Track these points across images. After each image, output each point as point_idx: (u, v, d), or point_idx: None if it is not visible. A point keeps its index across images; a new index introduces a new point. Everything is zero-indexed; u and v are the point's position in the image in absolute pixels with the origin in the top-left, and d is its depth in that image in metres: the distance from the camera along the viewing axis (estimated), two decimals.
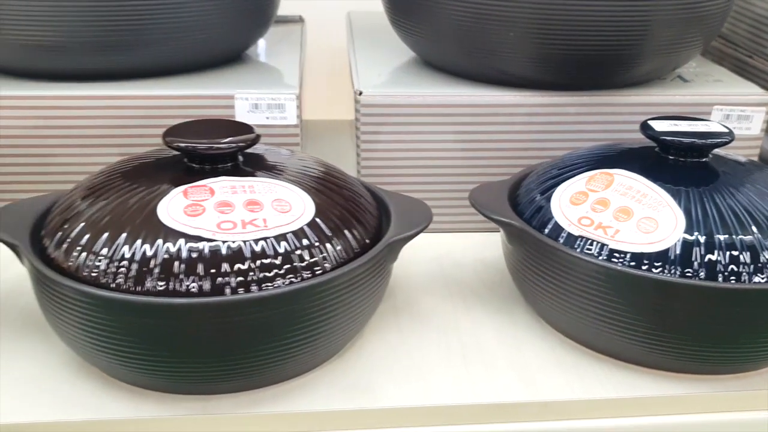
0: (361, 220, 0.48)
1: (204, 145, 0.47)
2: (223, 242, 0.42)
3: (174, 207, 0.44)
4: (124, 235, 0.42)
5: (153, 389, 0.44)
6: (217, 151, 0.47)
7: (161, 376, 0.43)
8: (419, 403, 0.45)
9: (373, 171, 0.64)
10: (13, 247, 0.46)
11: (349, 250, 0.46)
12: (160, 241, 0.42)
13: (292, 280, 0.43)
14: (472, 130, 0.63)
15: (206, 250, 0.42)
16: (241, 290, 0.41)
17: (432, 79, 0.66)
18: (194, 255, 0.42)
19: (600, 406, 0.45)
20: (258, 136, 0.48)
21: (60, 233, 0.45)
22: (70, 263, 0.43)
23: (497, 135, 0.63)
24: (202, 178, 0.46)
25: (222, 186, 0.45)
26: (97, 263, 0.42)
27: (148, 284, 0.41)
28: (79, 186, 0.49)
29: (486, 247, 0.64)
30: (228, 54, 0.68)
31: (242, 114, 0.60)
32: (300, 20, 0.88)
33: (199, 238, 0.42)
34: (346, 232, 0.46)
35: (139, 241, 0.42)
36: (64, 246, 0.44)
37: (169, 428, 0.43)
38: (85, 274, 0.42)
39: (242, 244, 0.43)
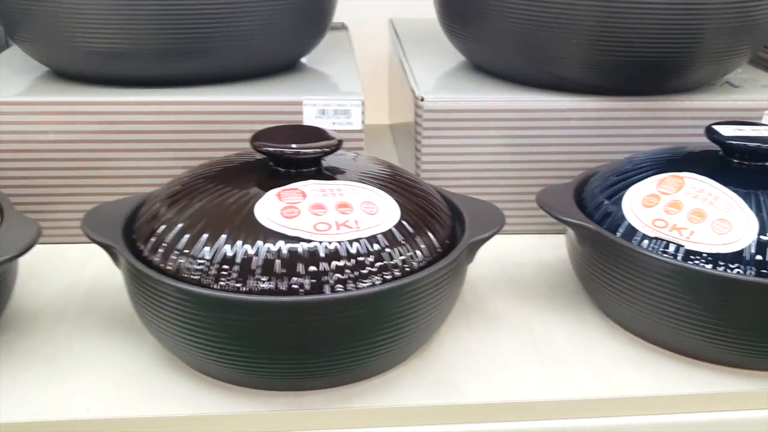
0: (439, 221, 0.50)
1: (292, 150, 0.48)
2: (320, 243, 0.44)
3: (270, 209, 0.45)
4: (223, 236, 0.44)
5: (247, 386, 0.46)
6: (304, 155, 0.48)
7: (258, 373, 0.44)
8: (504, 399, 0.47)
9: (432, 174, 0.65)
10: (108, 249, 0.47)
11: (432, 249, 0.48)
12: (260, 242, 0.43)
13: (385, 278, 0.44)
14: (529, 134, 0.65)
15: (306, 251, 0.43)
16: (339, 288, 0.43)
17: (488, 84, 0.68)
18: (294, 255, 0.43)
19: (679, 401, 0.47)
20: (341, 142, 0.50)
21: (156, 236, 0.46)
22: (170, 265, 0.44)
23: (554, 139, 0.65)
24: (290, 182, 0.48)
25: (312, 189, 0.47)
26: (199, 265, 0.43)
27: (251, 284, 0.43)
28: (166, 189, 0.50)
29: (541, 248, 0.66)
30: (288, 61, 0.69)
31: (309, 119, 0.62)
32: (343, 27, 0.90)
33: (298, 239, 0.44)
34: (428, 232, 0.48)
35: (239, 242, 0.44)
36: (162, 248, 0.45)
37: (264, 423, 0.45)
38: (185, 275, 0.44)
39: (338, 244, 0.44)
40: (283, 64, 0.69)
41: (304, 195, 0.46)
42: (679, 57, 0.62)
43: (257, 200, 0.46)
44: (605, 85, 0.64)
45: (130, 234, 0.48)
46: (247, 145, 0.61)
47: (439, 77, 0.70)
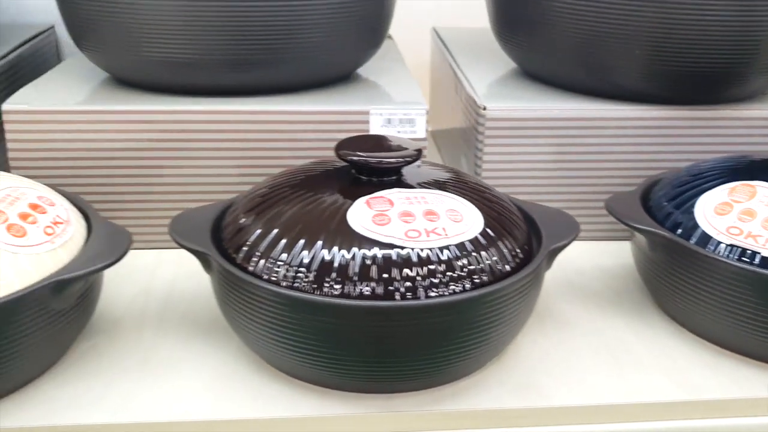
0: (517, 228, 0.51)
1: (376, 159, 0.49)
2: (412, 249, 0.45)
3: (363, 216, 0.46)
4: (319, 242, 0.45)
5: (338, 388, 0.47)
6: (388, 165, 0.50)
7: (353, 376, 0.46)
8: (587, 402, 0.48)
9: (492, 182, 0.66)
10: (201, 256, 0.48)
11: (515, 256, 0.49)
12: (356, 249, 0.45)
13: (474, 283, 0.46)
14: (587, 142, 0.66)
15: (399, 257, 0.45)
16: (432, 292, 0.44)
17: (545, 92, 0.69)
18: (389, 261, 0.44)
19: (758, 405, 0.48)
20: (420, 151, 0.51)
21: (249, 243, 0.47)
22: (266, 271, 0.45)
23: (611, 147, 0.66)
24: (374, 190, 0.49)
25: (398, 197, 0.48)
26: (297, 271, 0.45)
27: (348, 289, 0.44)
28: (250, 196, 0.51)
29: (598, 254, 0.67)
30: (349, 71, 0.71)
31: (376, 128, 0.63)
32: (389, 36, 0.91)
33: (392, 246, 0.45)
34: (510, 238, 0.49)
35: (335, 249, 0.45)
36: (257, 255, 0.46)
37: (357, 425, 0.46)
38: (283, 281, 0.45)
39: (429, 251, 0.45)
40: (343, 74, 0.70)
41: (391, 203, 0.48)
42: (737, 68, 0.63)
43: (348, 208, 0.47)
44: (662, 94, 0.66)
45: (219, 240, 0.50)
46: (317, 154, 0.63)
47: (494, 85, 0.72)
